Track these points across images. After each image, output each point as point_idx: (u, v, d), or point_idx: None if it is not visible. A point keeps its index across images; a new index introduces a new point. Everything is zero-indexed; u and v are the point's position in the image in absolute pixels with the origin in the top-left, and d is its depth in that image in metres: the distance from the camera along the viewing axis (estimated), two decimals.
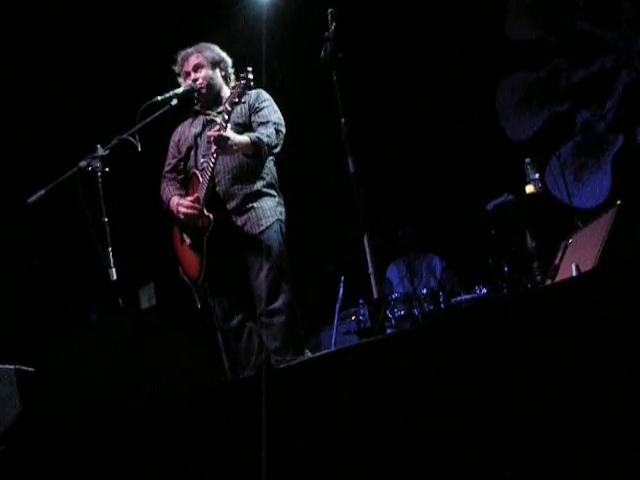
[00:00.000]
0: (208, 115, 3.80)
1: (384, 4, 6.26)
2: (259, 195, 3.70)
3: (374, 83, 6.36)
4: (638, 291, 1.77)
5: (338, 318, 5.72)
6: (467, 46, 6.29)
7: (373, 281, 3.19)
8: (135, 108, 3.70)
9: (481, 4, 6.28)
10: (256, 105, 3.74)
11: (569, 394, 1.76)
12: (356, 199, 3.20)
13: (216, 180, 3.66)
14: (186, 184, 3.81)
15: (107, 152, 3.67)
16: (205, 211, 3.58)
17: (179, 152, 3.88)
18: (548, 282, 3.82)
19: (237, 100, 3.52)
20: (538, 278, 4.72)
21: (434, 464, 1.82)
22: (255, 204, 3.67)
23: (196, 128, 3.83)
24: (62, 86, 6.06)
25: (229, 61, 3.88)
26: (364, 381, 1.96)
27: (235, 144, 3.53)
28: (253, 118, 3.73)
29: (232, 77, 3.86)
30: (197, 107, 3.87)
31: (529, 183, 5.00)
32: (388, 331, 4.91)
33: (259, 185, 3.71)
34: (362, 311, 5.88)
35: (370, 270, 3.19)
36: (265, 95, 3.80)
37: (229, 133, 3.51)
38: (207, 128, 3.73)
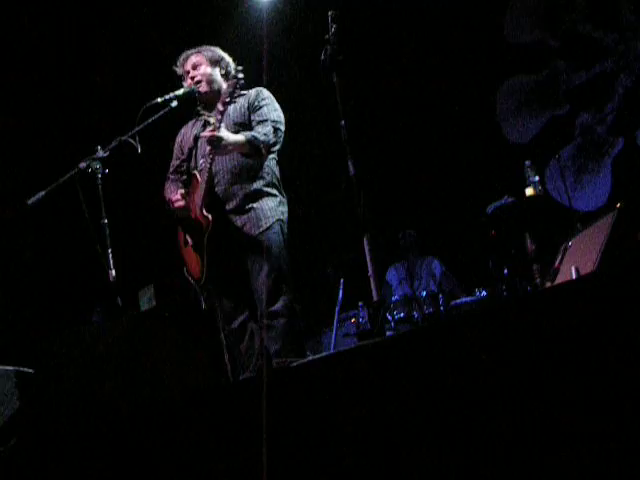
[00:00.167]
0: (208, 116, 3.80)
1: (384, 7, 6.26)
2: (259, 195, 3.66)
3: (375, 85, 6.36)
4: (638, 294, 1.77)
5: (338, 320, 5.72)
6: (467, 49, 6.29)
7: (373, 283, 3.18)
8: (135, 110, 3.71)
9: (481, 7, 6.29)
10: (255, 103, 3.73)
11: (569, 397, 1.75)
12: (356, 202, 3.19)
13: (215, 180, 3.65)
14: (188, 185, 3.82)
15: (107, 153, 3.68)
16: (204, 212, 3.57)
17: (182, 153, 3.88)
18: (548, 285, 3.82)
19: (228, 100, 3.52)
20: (538, 281, 4.72)
21: (434, 466, 1.82)
22: (255, 204, 3.64)
23: (197, 129, 3.83)
24: (62, 87, 6.06)
25: (230, 61, 3.87)
26: (364, 383, 1.95)
27: (229, 144, 3.51)
28: (252, 117, 3.71)
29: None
30: (199, 108, 3.87)
31: (529, 186, 5.00)
32: (388, 333, 4.90)
33: (259, 185, 3.67)
34: (362, 313, 5.88)
35: (370, 272, 3.19)
36: (265, 93, 3.78)
37: (222, 133, 3.49)
38: (203, 129, 3.73)
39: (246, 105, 3.74)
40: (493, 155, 6.18)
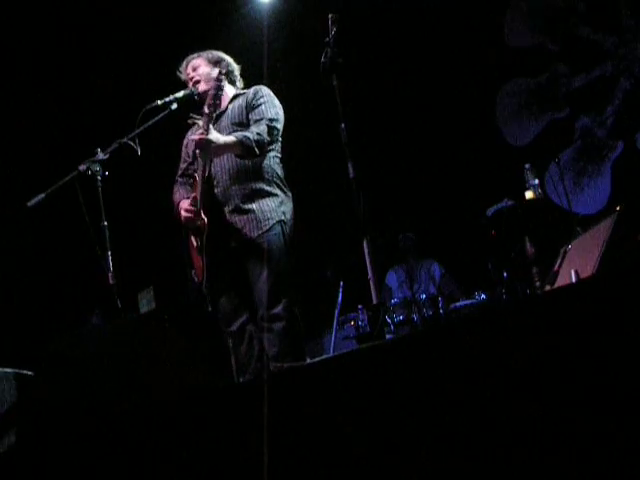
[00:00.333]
0: (199, 119, 3.78)
1: (384, 9, 6.27)
2: (259, 195, 3.62)
3: (375, 88, 6.37)
4: (638, 297, 1.77)
5: (337, 323, 5.72)
6: (466, 52, 6.30)
7: (372, 286, 3.18)
8: (135, 112, 3.71)
9: (481, 10, 6.30)
10: (253, 102, 3.70)
11: (568, 400, 1.75)
12: (356, 204, 3.19)
13: (215, 181, 3.63)
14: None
15: (107, 156, 3.68)
16: (202, 214, 3.56)
17: (188, 156, 3.87)
18: (547, 288, 3.82)
19: (212, 102, 3.51)
20: (537, 284, 4.72)
21: (434, 469, 1.82)
22: (255, 205, 3.60)
23: (193, 133, 3.83)
24: (62, 89, 6.07)
25: (231, 61, 3.87)
26: (363, 386, 1.95)
27: (219, 146, 3.49)
28: (250, 115, 3.69)
29: (238, 79, 3.88)
30: (205, 109, 3.86)
31: (529, 189, 5.01)
32: (387, 336, 4.90)
33: (259, 184, 3.63)
34: (361, 316, 5.87)
35: (369, 275, 3.18)
36: (264, 91, 3.75)
37: (212, 135, 3.47)
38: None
39: (244, 104, 3.73)
40: (493, 158, 6.19)
